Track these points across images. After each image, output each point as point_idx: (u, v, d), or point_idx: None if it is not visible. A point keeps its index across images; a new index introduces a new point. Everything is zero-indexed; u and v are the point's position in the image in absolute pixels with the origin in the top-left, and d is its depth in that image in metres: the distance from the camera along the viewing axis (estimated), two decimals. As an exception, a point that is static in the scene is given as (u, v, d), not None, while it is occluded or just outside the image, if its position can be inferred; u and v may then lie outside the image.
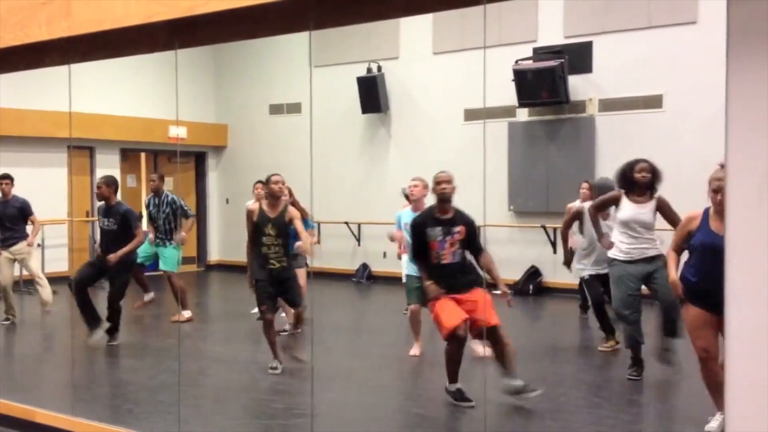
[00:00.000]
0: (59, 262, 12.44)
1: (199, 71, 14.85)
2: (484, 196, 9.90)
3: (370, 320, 9.92)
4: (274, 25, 3.73)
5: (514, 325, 8.14)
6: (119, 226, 7.62)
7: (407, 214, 7.03)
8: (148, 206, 9.50)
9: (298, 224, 6.71)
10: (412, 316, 7.12)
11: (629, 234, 6.25)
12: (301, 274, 7.93)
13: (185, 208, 9.48)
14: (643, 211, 6.27)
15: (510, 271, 11.15)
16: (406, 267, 7.12)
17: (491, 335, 5.50)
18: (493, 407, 5.59)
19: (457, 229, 5.63)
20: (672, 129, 10.51)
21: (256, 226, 6.60)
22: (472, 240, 5.73)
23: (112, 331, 7.77)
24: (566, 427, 5.26)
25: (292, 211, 6.73)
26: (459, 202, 11.05)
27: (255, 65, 14.70)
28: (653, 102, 10.71)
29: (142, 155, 14.94)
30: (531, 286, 11.42)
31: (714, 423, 4.95)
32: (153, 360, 7.43)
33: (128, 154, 14.44)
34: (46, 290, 9.35)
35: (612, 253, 6.35)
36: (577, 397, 6.01)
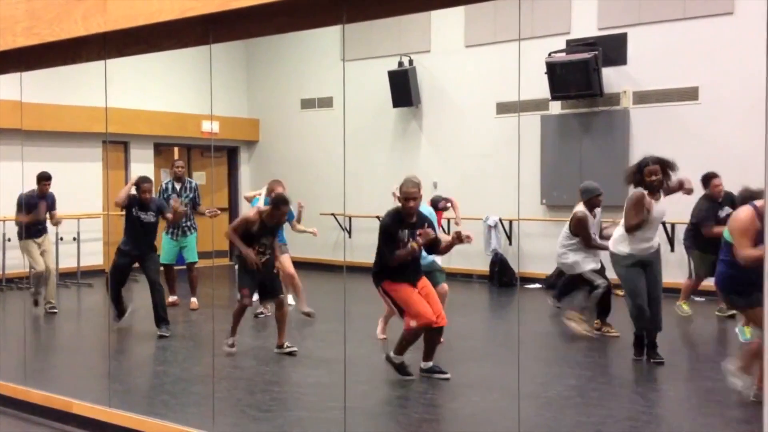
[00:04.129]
0: (94, 255, 12.60)
1: (232, 66, 14.93)
2: (518, 190, 9.86)
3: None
4: (307, 19, 3.74)
5: (546, 320, 8.10)
6: (156, 217, 8.26)
7: None
8: (165, 191, 9.59)
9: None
10: None
11: (645, 233, 6.45)
12: (286, 259, 8.61)
13: (199, 199, 9.80)
14: (661, 208, 6.49)
15: (542, 265, 11.09)
16: None
17: (436, 330, 6.14)
18: (527, 400, 5.57)
19: (419, 231, 6.08)
20: (708, 122, 10.36)
21: (254, 234, 6.96)
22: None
23: (161, 322, 8.03)
24: (599, 420, 5.22)
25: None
26: (491, 196, 11.00)
27: (286, 60, 14.75)
28: (689, 94, 10.56)
29: (176, 150, 15.06)
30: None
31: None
32: (187, 352, 7.50)
33: (162, 149, 14.58)
34: (53, 287, 9.53)
35: (624, 250, 6.53)
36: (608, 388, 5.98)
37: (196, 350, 7.57)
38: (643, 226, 6.39)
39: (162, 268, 10.10)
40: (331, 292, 9.87)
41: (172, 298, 9.78)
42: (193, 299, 9.75)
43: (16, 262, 10.88)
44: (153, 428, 4.75)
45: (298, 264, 9.83)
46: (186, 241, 9.68)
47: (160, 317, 8.06)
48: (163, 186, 9.78)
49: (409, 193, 6.10)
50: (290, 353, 7.03)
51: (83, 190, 12.31)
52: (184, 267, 9.92)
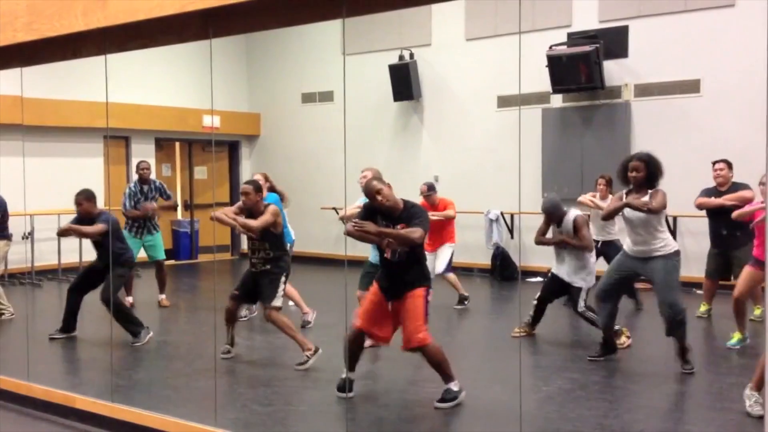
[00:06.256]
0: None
1: (232, 61, 14.92)
2: (519, 184, 9.84)
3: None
4: (308, 13, 3.73)
5: (547, 313, 8.10)
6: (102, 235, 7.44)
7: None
8: (134, 195, 9.36)
9: (264, 217, 6.55)
10: (359, 302, 7.05)
11: (631, 232, 6.24)
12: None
13: (168, 192, 9.56)
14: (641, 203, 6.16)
15: (544, 259, 11.08)
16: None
17: (421, 352, 5.38)
18: (529, 393, 5.58)
19: (399, 226, 5.35)
20: (709, 114, 10.34)
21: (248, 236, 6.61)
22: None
23: (132, 333, 7.46)
24: (601, 413, 5.23)
25: (269, 211, 6.54)
26: (493, 189, 10.95)
27: (287, 54, 14.74)
28: (690, 87, 10.55)
29: (177, 144, 15.06)
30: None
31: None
32: (189, 347, 7.51)
33: (163, 144, 14.57)
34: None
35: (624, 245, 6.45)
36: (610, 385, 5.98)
37: (198, 345, 7.57)
38: (627, 225, 6.28)
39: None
40: (331, 286, 9.88)
41: (127, 300, 9.32)
42: (162, 296, 9.58)
43: (19, 257, 10.91)
44: (155, 423, 4.76)
45: (299, 259, 9.84)
46: (151, 239, 9.44)
47: (130, 332, 7.44)
48: (131, 189, 9.45)
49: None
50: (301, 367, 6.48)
51: (84, 186, 12.24)
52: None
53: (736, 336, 6.99)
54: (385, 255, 5.47)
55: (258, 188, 6.64)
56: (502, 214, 11.92)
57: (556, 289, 7.52)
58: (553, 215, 7.33)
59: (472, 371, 6.47)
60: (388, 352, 6.79)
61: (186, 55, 13.57)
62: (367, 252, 6.94)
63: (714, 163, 8.25)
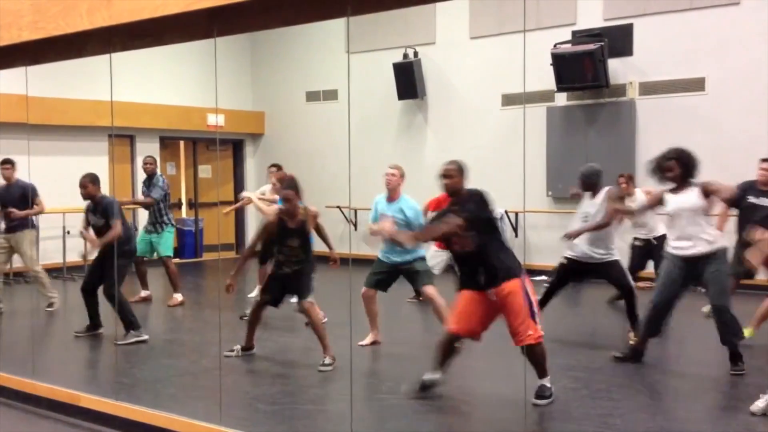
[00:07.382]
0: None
1: (237, 59, 14.92)
2: (524, 182, 9.82)
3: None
4: (312, 12, 3.73)
5: (552, 312, 8.09)
6: (105, 219, 7.50)
7: (383, 203, 7.02)
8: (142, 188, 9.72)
9: (323, 233, 6.76)
10: (363, 299, 7.01)
11: (675, 228, 6.10)
12: None
13: (157, 187, 9.47)
14: (685, 198, 6.03)
15: (548, 257, 11.07)
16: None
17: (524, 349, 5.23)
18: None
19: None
20: (714, 112, 10.32)
21: (277, 239, 6.55)
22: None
23: (127, 328, 7.41)
24: (606, 411, 5.22)
25: (311, 217, 6.59)
26: (497, 188, 10.94)
27: (291, 53, 14.73)
28: (695, 85, 10.52)
29: (181, 143, 15.07)
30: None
31: (761, 403, 5.00)
32: (194, 345, 7.52)
33: (167, 142, 14.59)
34: (44, 283, 9.11)
35: (668, 247, 6.25)
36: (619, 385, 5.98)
37: (203, 344, 7.58)
38: (670, 221, 6.17)
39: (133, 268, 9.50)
40: (336, 284, 9.87)
41: (144, 293, 9.59)
42: (175, 295, 9.52)
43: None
44: (160, 421, 4.77)
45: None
46: (158, 237, 9.48)
47: (124, 324, 7.38)
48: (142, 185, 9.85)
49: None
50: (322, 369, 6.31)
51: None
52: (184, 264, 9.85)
53: (748, 331, 6.73)
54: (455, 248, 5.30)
55: (297, 191, 6.54)
56: (506, 212, 11.89)
57: (569, 275, 7.32)
58: (590, 185, 7.13)
59: (477, 369, 6.46)
60: (390, 351, 6.80)
61: (190, 53, 13.56)
62: (374, 250, 6.94)
63: (762, 161, 7.64)
